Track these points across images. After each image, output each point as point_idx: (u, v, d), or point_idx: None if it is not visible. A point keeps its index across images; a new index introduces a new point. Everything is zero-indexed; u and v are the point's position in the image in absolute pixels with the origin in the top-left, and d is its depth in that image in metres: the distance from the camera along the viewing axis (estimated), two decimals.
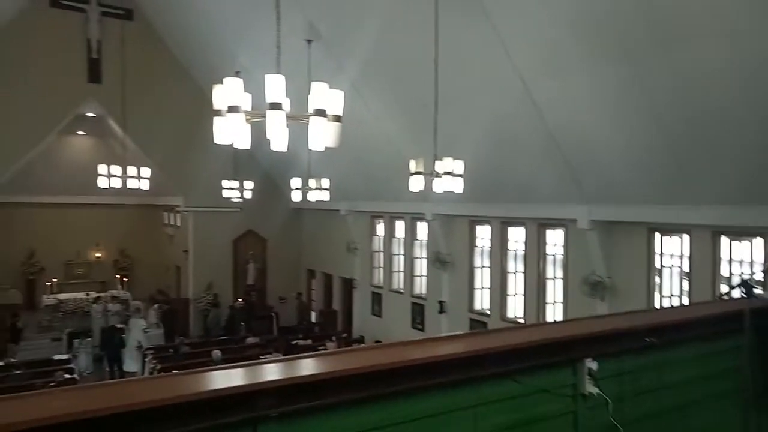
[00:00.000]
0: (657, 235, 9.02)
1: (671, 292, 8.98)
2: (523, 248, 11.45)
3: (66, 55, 15.45)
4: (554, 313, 10.93)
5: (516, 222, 11.54)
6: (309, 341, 15.11)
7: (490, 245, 12.32)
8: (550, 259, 11.03)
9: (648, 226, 8.91)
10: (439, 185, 7.79)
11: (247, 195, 13.80)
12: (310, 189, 11.61)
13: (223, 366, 2.55)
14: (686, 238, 8.67)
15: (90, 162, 18.98)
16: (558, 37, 7.22)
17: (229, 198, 13.87)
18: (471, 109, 9.39)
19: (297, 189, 11.83)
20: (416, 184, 7.72)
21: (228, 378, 2.40)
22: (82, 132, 20.74)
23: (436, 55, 7.32)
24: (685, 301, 8.70)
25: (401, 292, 15.16)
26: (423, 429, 2.85)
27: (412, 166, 7.65)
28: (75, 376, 12.32)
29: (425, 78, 7.85)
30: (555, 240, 10.95)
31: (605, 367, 3.36)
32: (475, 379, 3.00)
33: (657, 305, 8.91)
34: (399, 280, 15.46)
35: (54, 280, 19.92)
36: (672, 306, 8.29)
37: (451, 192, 7.88)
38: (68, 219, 21.24)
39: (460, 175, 7.81)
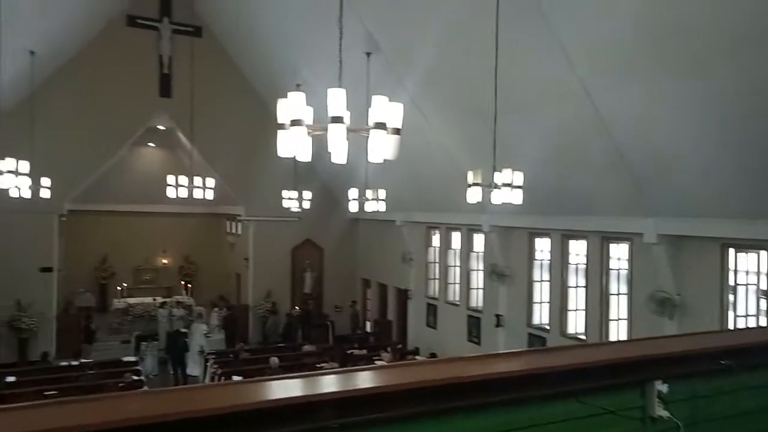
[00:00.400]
0: (731, 250, 8.50)
1: (747, 311, 8.43)
2: (585, 262, 11.08)
3: (140, 71, 16.36)
4: (618, 330, 10.49)
5: (577, 235, 11.19)
6: (364, 351, 15.18)
7: (549, 258, 12.00)
8: (613, 273, 10.61)
9: (721, 241, 8.42)
10: (498, 197, 7.69)
11: (306, 205, 14.10)
12: (367, 200, 11.74)
13: (284, 376, 2.59)
14: (764, 254, 8.14)
15: (159, 172, 19.96)
16: (623, 46, 7.00)
17: (289, 208, 14.20)
18: (531, 119, 9.23)
19: (354, 200, 11.99)
20: (474, 195, 7.64)
21: (290, 388, 2.44)
22: (152, 144, 21.84)
23: (496, 65, 7.25)
24: (763, 321, 8.15)
25: (457, 305, 14.99)
26: None
27: (470, 177, 7.59)
28: (142, 377, 12.87)
29: (484, 89, 7.79)
30: (619, 254, 10.53)
31: (676, 389, 3.19)
32: (537, 398, 2.93)
33: (731, 325, 8.39)
34: (455, 292, 15.30)
35: (124, 284, 20.97)
36: (749, 327, 7.79)
37: (510, 203, 7.76)
38: (138, 227, 22.36)
39: (519, 187, 7.68)
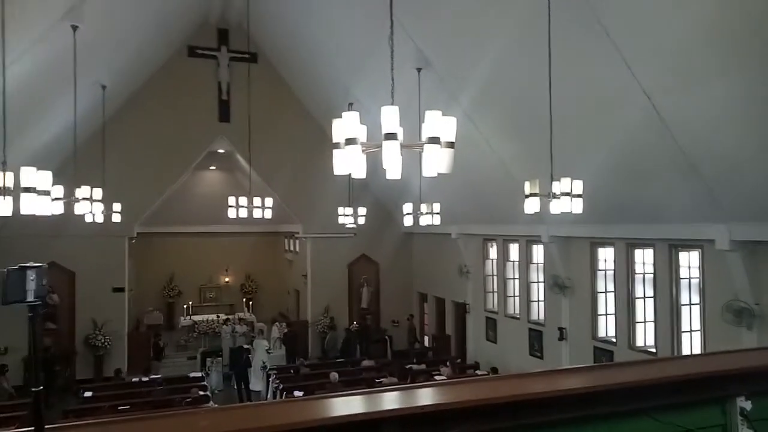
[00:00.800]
0: None
1: None
2: (652, 271, 10.60)
3: (200, 98, 17.13)
4: (691, 342, 9.94)
5: (643, 243, 10.74)
6: (423, 366, 15.05)
7: (614, 268, 11.56)
8: (684, 283, 10.09)
9: None
10: (557, 206, 7.50)
11: (361, 221, 14.23)
12: (422, 214, 11.71)
13: (347, 392, 2.62)
14: None
15: (220, 194, 20.71)
16: (687, 48, 6.72)
17: (344, 224, 14.38)
18: (590, 127, 8.97)
19: (408, 214, 12.00)
20: (532, 206, 7.49)
21: (352, 405, 2.45)
22: (213, 167, 22.72)
23: (550, 73, 7.12)
24: None
25: (517, 318, 14.66)
26: None
27: (527, 187, 7.44)
28: (207, 393, 13.23)
29: (539, 97, 7.65)
30: (689, 262, 10.02)
31: (761, 407, 2.99)
32: (606, 415, 2.82)
33: None
34: (515, 305, 14.97)
35: (189, 302, 21.76)
36: None
37: (570, 213, 7.55)
38: (201, 247, 23.26)
39: (579, 195, 7.47)
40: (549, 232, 12.33)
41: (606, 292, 11.92)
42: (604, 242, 11.73)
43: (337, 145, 4.34)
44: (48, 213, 6.66)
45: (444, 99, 10.82)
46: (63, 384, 14.88)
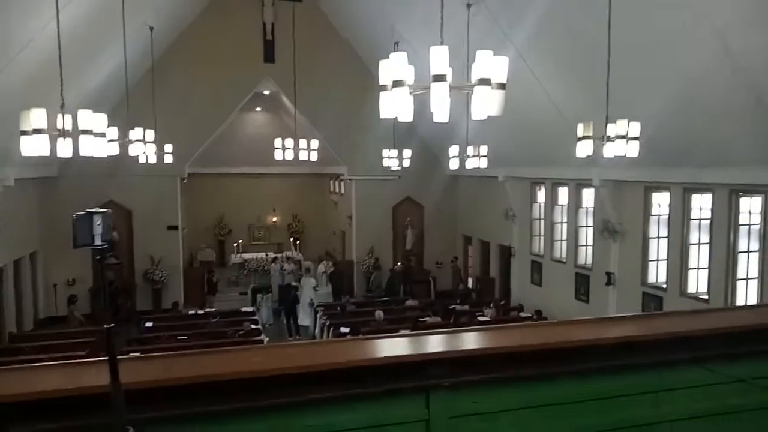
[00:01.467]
0: None
1: None
2: (709, 217, 10.19)
3: (245, 39, 17.00)
4: (747, 290, 9.63)
5: (702, 188, 10.27)
6: (466, 307, 15.24)
7: (668, 213, 11.17)
8: (743, 230, 9.68)
9: None
10: (611, 150, 7.23)
11: (406, 163, 14.15)
12: (468, 156, 11.53)
13: (397, 334, 2.67)
14: None
15: (266, 135, 20.88)
16: None
17: (389, 167, 14.34)
18: (650, 66, 8.42)
19: (454, 157, 11.83)
20: (584, 149, 7.24)
21: (403, 347, 2.51)
22: (259, 108, 22.84)
23: (610, 8, 6.67)
24: None
25: (563, 262, 14.51)
26: (596, 410, 2.73)
27: (580, 130, 7.18)
28: (258, 326, 13.87)
29: (598, 35, 7.21)
30: (751, 208, 9.56)
31: None
32: (657, 364, 2.79)
33: None
34: (561, 249, 14.79)
35: (240, 241, 22.52)
36: None
37: (624, 157, 7.26)
38: (249, 187, 23.79)
39: (635, 138, 7.16)
40: (601, 176, 11.95)
41: (658, 237, 11.59)
42: (660, 186, 11.29)
43: (383, 88, 4.25)
44: (104, 154, 6.90)
45: (495, 37, 10.35)
46: (126, 315, 15.89)
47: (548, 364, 2.59)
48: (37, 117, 5.77)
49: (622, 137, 7.22)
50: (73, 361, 2.28)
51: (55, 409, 1.96)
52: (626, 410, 2.72)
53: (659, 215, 11.56)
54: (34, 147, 5.80)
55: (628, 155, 7.28)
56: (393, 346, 2.53)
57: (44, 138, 5.79)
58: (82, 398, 1.96)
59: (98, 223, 1.78)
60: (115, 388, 1.80)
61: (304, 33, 15.86)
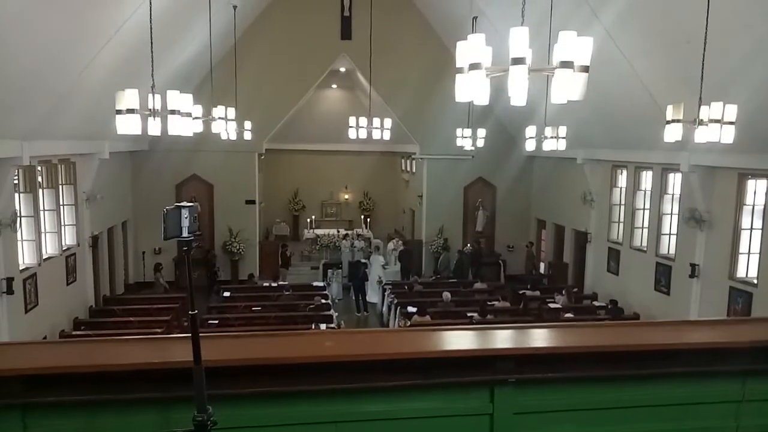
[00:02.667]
0: None
1: None
2: None
3: (323, 15, 17.15)
4: None
5: None
6: (537, 293, 14.93)
7: (764, 203, 10.34)
8: None
9: None
10: (703, 135, 6.74)
11: (480, 143, 13.86)
12: (546, 138, 11.14)
13: (467, 327, 2.66)
14: None
15: (340, 113, 21.15)
16: None
17: (462, 146, 14.12)
18: (753, 43, 7.73)
19: (531, 138, 11.47)
20: (673, 133, 6.79)
21: (471, 340, 2.50)
22: (334, 86, 23.09)
23: None
24: None
25: (644, 250, 13.82)
26: (669, 418, 2.61)
27: (670, 112, 6.72)
28: (329, 302, 14.26)
29: (695, 12, 6.68)
30: None
31: None
32: (741, 372, 2.62)
33: None
34: (642, 237, 14.08)
35: (312, 216, 23.12)
36: None
37: (717, 142, 6.76)
38: (323, 164, 24.27)
39: (731, 123, 6.63)
40: (690, 161, 11.19)
41: (751, 228, 10.77)
42: (756, 174, 10.45)
43: (460, 70, 4.16)
44: (190, 133, 7.25)
45: (582, 13, 9.83)
46: (207, 284, 16.81)
47: (619, 366, 2.50)
48: (130, 97, 6.14)
49: (716, 121, 6.71)
50: (158, 336, 2.44)
51: (142, 381, 2.12)
52: (702, 420, 2.59)
53: (753, 205, 10.72)
54: (127, 125, 6.18)
55: (722, 141, 6.77)
56: (460, 339, 2.53)
57: (136, 117, 6.16)
58: (166, 372, 2.10)
59: (186, 216, 1.89)
60: (197, 370, 1.92)
61: (382, 9, 15.78)
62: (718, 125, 6.75)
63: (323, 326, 11.48)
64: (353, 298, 16.52)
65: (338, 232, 21.04)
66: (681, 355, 2.61)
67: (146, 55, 6.96)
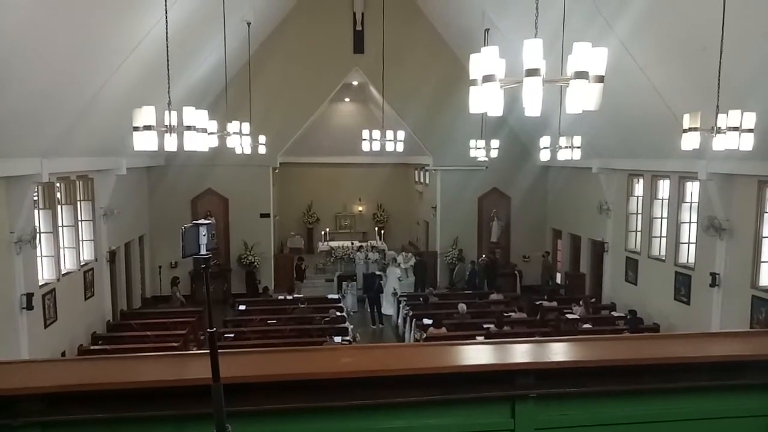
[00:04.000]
0: None
1: None
2: None
3: (335, 30, 17.31)
4: None
5: None
6: (554, 303, 14.77)
7: None
8: None
9: None
10: (721, 143, 6.65)
11: (493, 154, 13.83)
12: (560, 147, 11.08)
13: (485, 341, 2.63)
14: None
15: (353, 125, 21.26)
16: None
17: (476, 157, 14.08)
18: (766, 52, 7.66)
19: (546, 148, 11.41)
20: (690, 141, 6.71)
21: (491, 354, 2.47)
22: (347, 99, 23.24)
23: None
24: None
25: (662, 260, 13.63)
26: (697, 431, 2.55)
27: (687, 121, 6.65)
28: (343, 314, 14.23)
29: (711, 19, 6.63)
30: None
31: None
32: (759, 386, 2.55)
33: None
34: (660, 246, 13.89)
35: (327, 229, 23.16)
36: None
37: (736, 150, 6.67)
38: (336, 176, 24.37)
39: (750, 131, 6.54)
40: (708, 169, 11.04)
41: None
42: None
43: (473, 82, 4.15)
44: (205, 148, 7.32)
45: (595, 24, 9.80)
46: (222, 297, 16.88)
47: (642, 380, 2.45)
48: (147, 114, 6.22)
49: (735, 129, 6.62)
50: (176, 353, 2.44)
51: (160, 398, 2.12)
52: None
53: None
54: (144, 142, 6.27)
55: (740, 148, 6.68)
56: (478, 354, 2.50)
57: (153, 134, 6.24)
58: (184, 389, 2.10)
59: (203, 233, 1.90)
60: (216, 388, 1.92)
61: (394, 22, 15.86)
62: (736, 133, 6.67)
63: (338, 339, 11.44)
64: (368, 310, 16.46)
65: (352, 244, 21.03)
66: (706, 368, 2.55)
67: (162, 72, 7.07)
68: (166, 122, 6.43)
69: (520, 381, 2.34)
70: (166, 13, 7.27)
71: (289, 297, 15.64)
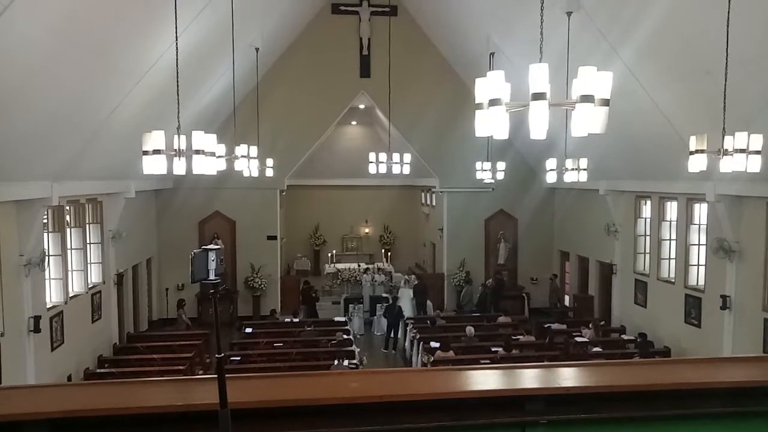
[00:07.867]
0: None
1: None
2: None
3: (342, 54, 17.55)
4: None
5: None
6: (563, 326, 14.60)
7: None
8: None
9: None
10: (728, 165, 6.63)
11: (500, 176, 13.84)
12: (567, 170, 11.08)
13: (494, 366, 2.61)
14: None
15: (360, 148, 21.39)
16: None
17: (482, 179, 14.10)
18: None
19: (552, 170, 11.41)
20: (697, 163, 6.70)
21: (500, 380, 2.44)
22: (354, 122, 23.43)
23: (729, 10, 6.16)
24: None
25: (672, 282, 13.49)
26: None
27: (693, 143, 6.65)
28: (350, 337, 14.12)
29: (715, 41, 6.68)
30: None
31: None
32: None
33: None
34: (669, 268, 13.77)
35: (333, 251, 23.14)
36: None
37: (743, 172, 6.65)
38: (343, 199, 24.44)
39: (757, 152, 6.52)
40: (716, 191, 11.00)
41: None
42: None
43: (479, 106, 4.19)
44: (214, 171, 7.37)
45: (596, 46, 9.90)
46: (228, 319, 16.82)
47: (654, 406, 2.41)
48: (156, 138, 6.30)
49: (742, 151, 6.61)
50: (182, 378, 2.44)
51: (167, 423, 2.10)
52: None
53: None
54: (153, 166, 6.33)
55: (748, 170, 6.66)
56: (488, 379, 2.47)
57: (162, 158, 6.31)
58: (191, 414, 2.09)
59: (212, 258, 1.91)
60: (223, 414, 1.90)
61: (400, 47, 16.10)
62: (743, 155, 6.65)
63: (345, 362, 11.33)
64: (384, 334, 16.13)
65: (359, 266, 20.98)
66: (719, 394, 2.51)
67: (172, 96, 7.17)
68: (176, 146, 6.50)
69: (531, 407, 2.31)
70: (176, 38, 7.40)
71: (296, 320, 15.56)
